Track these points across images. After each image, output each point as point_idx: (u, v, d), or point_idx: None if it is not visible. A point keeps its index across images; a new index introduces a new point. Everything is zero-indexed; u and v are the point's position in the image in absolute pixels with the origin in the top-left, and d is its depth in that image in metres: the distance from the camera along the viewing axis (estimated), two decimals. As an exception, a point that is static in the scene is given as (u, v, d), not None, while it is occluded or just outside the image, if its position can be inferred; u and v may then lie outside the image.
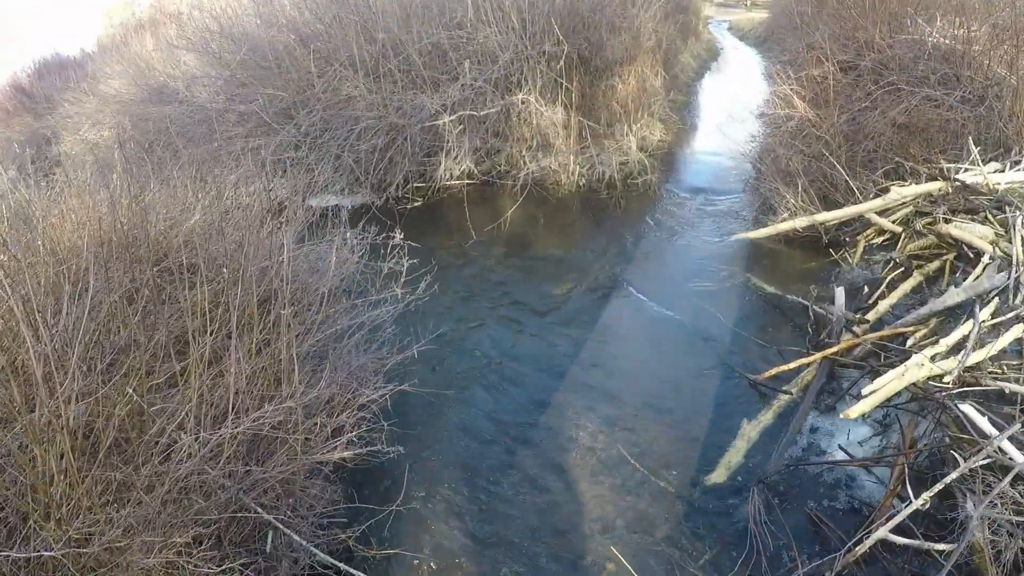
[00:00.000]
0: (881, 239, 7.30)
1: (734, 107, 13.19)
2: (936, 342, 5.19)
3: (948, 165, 7.76)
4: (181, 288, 4.27)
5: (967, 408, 4.34)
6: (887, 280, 6.52)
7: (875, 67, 8.23)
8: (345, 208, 8.22)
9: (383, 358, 5.07)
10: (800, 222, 7.19)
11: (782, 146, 7.64)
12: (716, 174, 9.47)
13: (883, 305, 6.02)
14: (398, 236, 5.75)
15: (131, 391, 3.02)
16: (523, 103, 8.77)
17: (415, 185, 9.06)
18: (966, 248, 6.38)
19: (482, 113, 8.82)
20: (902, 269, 6.67)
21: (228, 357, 3.61)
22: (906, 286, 6.21)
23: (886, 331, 5.55)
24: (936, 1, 9.13)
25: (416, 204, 8.86)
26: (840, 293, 5.95)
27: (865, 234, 7.31)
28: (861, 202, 7.34)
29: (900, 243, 7.08)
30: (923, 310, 5.57)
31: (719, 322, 6.11)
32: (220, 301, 4.20)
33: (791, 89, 7.96)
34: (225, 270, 4.40)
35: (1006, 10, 8.79)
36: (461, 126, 8.90)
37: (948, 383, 4.71)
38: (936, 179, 7.43)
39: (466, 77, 8.89)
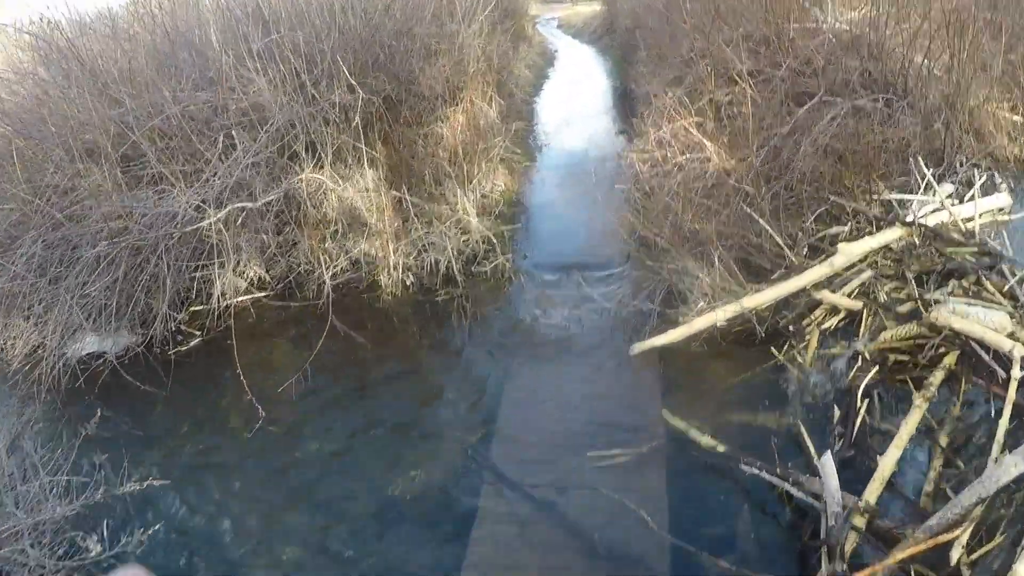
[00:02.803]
0: (837, 320, 5.22)
1: (587, 126, 11.14)
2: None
3: (895, 196, 5.85)
4: None
5: None
6: (861, 389, 4.47)
7: (790, 75, 6.20)
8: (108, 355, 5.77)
9: None
10: (723, 313, 5.10)
11: (682, 203, 5.42)
12: (586, 237, 7.19)
13: (886, 466, 3.87)
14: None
15: None
16: (309, 183, 6.12)
17: (192, 310, 6.32)
18: (974, 344, 4.35)
19: (258, 204, 6.09)
20: (876, 367, 4.60)
21: None
22: (910, 425, 4.09)
23: (921, 542, 3.34)
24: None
25: (194, 342, 6.06)
26: (829, 465, 3.74)
27: (814, 317, 5.24)
28: (799, 267, 5.30)
29: (864, 324, 5.07)
30: (965, 497, 3.41)
31: (646, 529, 3.78)
32: None
33: (692, 124, 5.73)
34: None
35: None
36: (240, 221, 6.13)
37: None
38: (893, 224, 5.48)
39: (238, 153, 6.16)
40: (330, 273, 6.30)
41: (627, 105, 11.28)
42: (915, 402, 4.21)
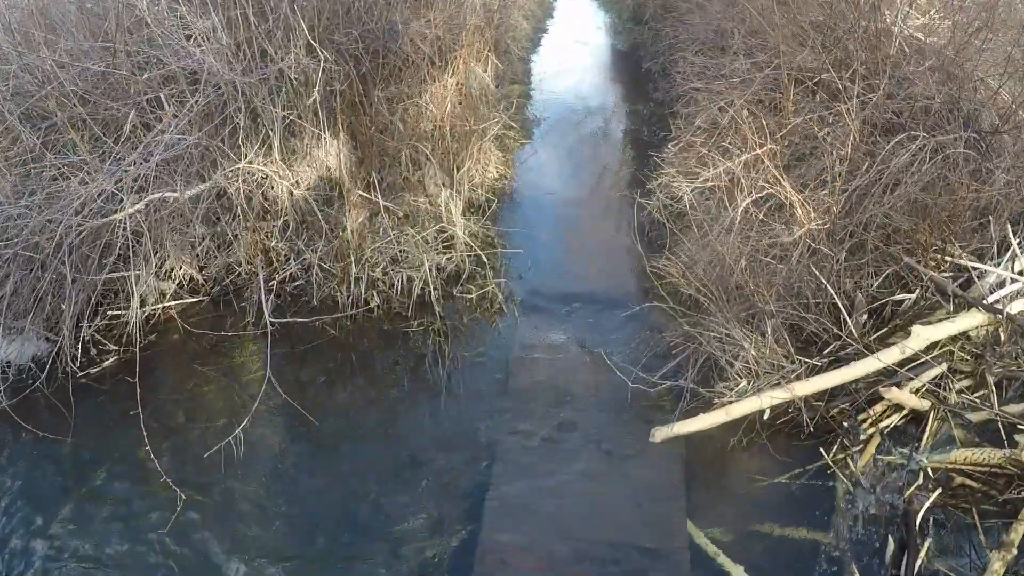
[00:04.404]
0: (899, 417, 4.58)
1: (593, 96, 10.19)
2: None
3: (973, 265, 5.18)
4: None
5: None
6: (919, 517, 3.88)
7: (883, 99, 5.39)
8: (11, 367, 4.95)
9: None
10: (769, 399, 4.34)
11: (739, 257, 4.63)
12: (594, 260, 6.34)
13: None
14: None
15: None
16: (246, 175, 5.12)
17: (112, 314, 5.33)
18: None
19: (185, 196, 5.06)
20: (938, 489, 4.04)
21: None
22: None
23: None
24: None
25: (109, 360, 5.14)
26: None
27: (873, 413, 4.57)
28: (860, 344, 4.65)
29: (929, 429, 4.45)
30: None
31: None
32: None
33: (770, 154, 4.81)
34: None
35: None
36: (166, 213, 5.16)
37: None
38: (973, 307, 4.80)
39: (163, 125, 5.13)
40: (274, 283, 5.41)
41: (639, 75, 10.37)
42: (992, 564, 3.61)
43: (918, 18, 7.08)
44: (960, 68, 6.00)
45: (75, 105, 5.15)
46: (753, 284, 4.59)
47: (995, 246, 5.27)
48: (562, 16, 15.26)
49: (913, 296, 5.12)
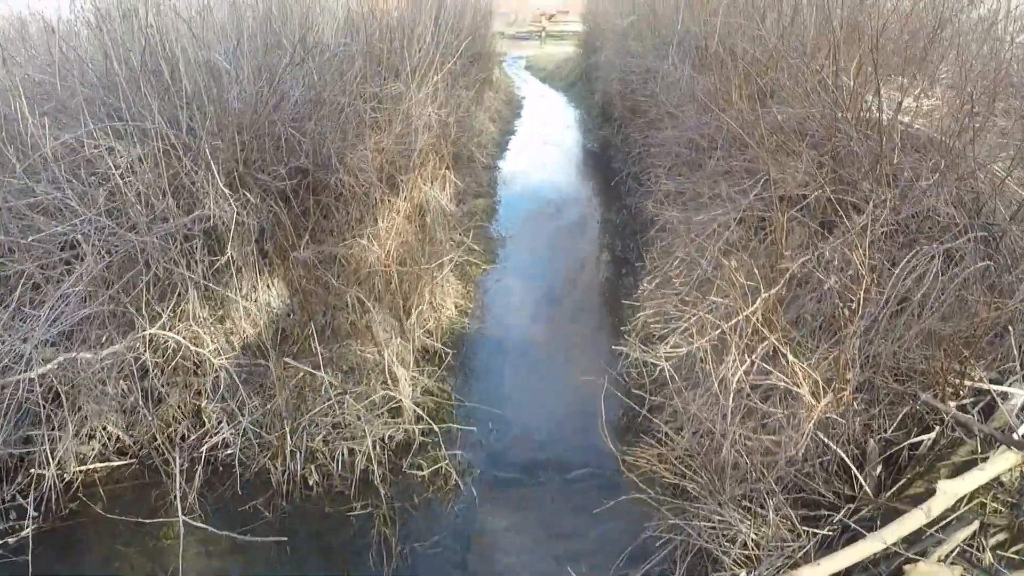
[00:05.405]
0: (930, 589, 3.95)
1: (563, 207, 9.76)
2: None
3: (995, 388, 4.62)
4: None
5: None
6: None
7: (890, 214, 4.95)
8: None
9: None
10: (778, 593, 3.76)
11: (720, 430, 4.07)
12: (566, 413, 5.72)
13: None
14: None
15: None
16: (154, 343, 4.66)
17: (34, 471, 4.66)
18: None
19: (101, 355, 4.59)
20: None
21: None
22: None
23: None
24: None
25: (26, 531, 4.42)
26: None
27: (900, 587, 3.95)
28: (875, 508, 4.13)
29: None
30: None
31: None
32: None
33: (760, 315, 4.21)
34: None
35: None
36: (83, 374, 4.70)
37: None
38: (1001, 444, 4.23)
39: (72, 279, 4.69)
40: (203, 451, 4.84)
41: (611, 177, 10.02)
42: None
43: (903, 98, 6.68)
44: (962, 157, 5.56)
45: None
46: (748, 462, 4.03)
47: (1018, 363, 4.74)
48: (530, 114, 15.00)
49: (933, 435, 4.55)
